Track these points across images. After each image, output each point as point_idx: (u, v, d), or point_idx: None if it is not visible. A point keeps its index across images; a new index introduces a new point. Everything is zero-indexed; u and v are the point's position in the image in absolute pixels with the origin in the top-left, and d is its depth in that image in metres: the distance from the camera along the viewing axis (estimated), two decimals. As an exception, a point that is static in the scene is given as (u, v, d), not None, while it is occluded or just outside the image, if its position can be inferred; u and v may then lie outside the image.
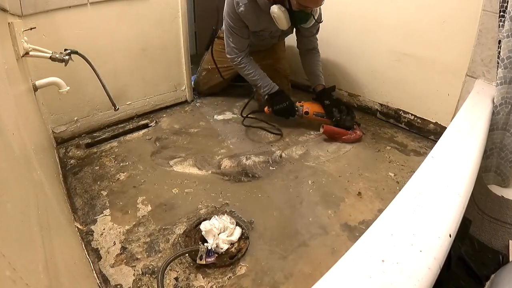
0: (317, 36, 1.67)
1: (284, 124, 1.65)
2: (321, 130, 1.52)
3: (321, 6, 1.43)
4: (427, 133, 1.59)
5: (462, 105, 1.08)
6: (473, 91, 1.20)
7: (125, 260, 0.94)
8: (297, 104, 1.61)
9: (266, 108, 1.62)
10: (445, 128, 0.96)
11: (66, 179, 1.28)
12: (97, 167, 1.34)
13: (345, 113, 1.55)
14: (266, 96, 1.63)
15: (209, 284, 0.88)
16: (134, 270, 0.91)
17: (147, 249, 0.98)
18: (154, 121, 1.71)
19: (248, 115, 1.65)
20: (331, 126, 1.53)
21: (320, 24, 1.56)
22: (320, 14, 1.50)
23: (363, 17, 1.64)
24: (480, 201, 1.22)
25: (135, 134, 1.59)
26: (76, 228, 1.04)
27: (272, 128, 1.64)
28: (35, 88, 1.20)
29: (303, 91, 2.08)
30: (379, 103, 1.75)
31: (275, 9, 1.36)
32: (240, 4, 1.40)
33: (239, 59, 1.59)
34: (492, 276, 1.04)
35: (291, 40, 1.97)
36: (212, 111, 1.81)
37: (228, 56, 1.61)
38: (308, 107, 1.60)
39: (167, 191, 1.22)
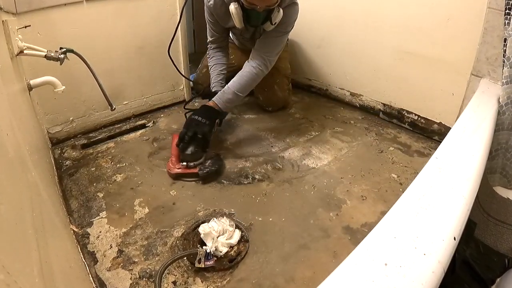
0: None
1: (284, 124, 1.65)
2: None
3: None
4: (431, 133, 1.59)
5: (467, 105, 1.08)
6: (478, 91, 1.20)
7: (122, 264, 0.94)
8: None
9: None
10: (450, 128, 0.96)
11: (61, 180, 1.28)
12: (93, 169, 1.34)
13: (188, 139, 1.28)
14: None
15: (208, 288, 0.88)
16: (131, 274, 0.91)
17: (145, 252, 0.98)
18: (152, 121, 1.71)
19: (189, 110, 1.64)
20: (176, 140, 1.33)
21: (286, 34, 1.47)
22: (284, 23, 1.40)
23: (366, 14, 1.64)
24: (485, 203, 1.22)
25: (132, 135, 1.59)
26: (72, 231, 1.04)
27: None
28: (30, 88, 1.20)
29: (304, 91, 2.09)
30: (382, 103, 1.75)
31: (231, 6, 1.33)
32: None
33: (209, 49, 1.62)
34: (498, 280, 1.04)
35: (293, 38, 1.98)
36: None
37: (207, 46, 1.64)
38: None
39: (164, 193, 1.22)
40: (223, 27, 1.53)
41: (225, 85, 1.46)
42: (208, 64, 1.64)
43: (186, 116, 1.51)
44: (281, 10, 1.34)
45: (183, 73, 1.79)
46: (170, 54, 1.61)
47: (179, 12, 1.66)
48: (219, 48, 1.63)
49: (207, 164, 1.31)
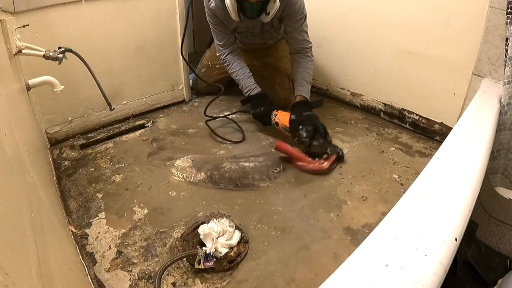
0: (307, 36, 1.57)
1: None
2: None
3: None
4: (432, 133, 1.59)
5: (469, 105, 1.08)
6: (480, 90, 1.20)
7: (121, 265, 0.94)
8: (274, 112, 1.53)
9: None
10: (451, 128, 0.96)
11: (60, 181, 1.28)
12: (92, 169, 1.34)
13: (310, 135, 1.35)
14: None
15: (208, 289, 0.88)
16: (130, 275, 0.91)
17: (144, 253, 0.98)
18: (151, 121, 1.71)
19: (214, 116, 1.66)
20: (286, 144, 1.38)
21: (304, 18, 1.51)
22: (289, 7, 1.44)
23: (367, 13, 1.64)
24: (487, 204, 1.22)
25: (131, 135, 1.59)
26: (71, 232, 1.04)
27: (235, 131, 1.60)
28: (28, 87, 1.20)
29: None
30: (382, 103, 1.75)
31: (227, 1, 1.36)
32: (211, 0, 1.44)
33: (224, 56, 1.62)
34: (500, 281, 1.04)
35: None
36: (210, 111, 1.81)
37: (217, 54, 1.65)
38: (280, 118, 1.50)
39: (164, 194, 1.22)
40: (228, 28, 1.54)
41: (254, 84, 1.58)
42: (231, 71, 1.63)
43: (207, 125, 1.59)
44: (277, 1, 1.36)
45: (196, 73, 1.81)
46: (183, 54, 1.65)
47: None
48: (234, 52, 1.63)
49: (334, 146, 1.40)
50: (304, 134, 1.36)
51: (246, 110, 1.73)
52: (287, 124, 1.46)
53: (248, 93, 1.59)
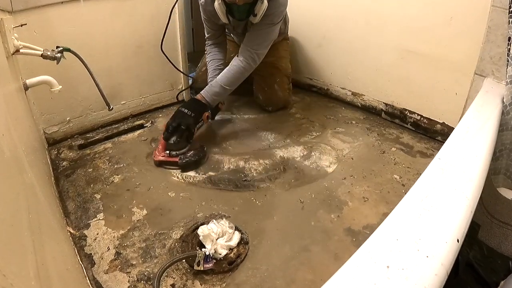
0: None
1: (284, 124, 1.65)
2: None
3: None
4: (434, 133, 1.59)
5: (470, 105, 1.08)
6: (482, 90, 1.20)
7: (119, 266, 0.94)
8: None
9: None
10: (453, 128, 0.96)
11: (58, 181, 1.28)
12: (90, 169, 1.34)
13: (172, 129, 1.36)
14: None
15: (207, 291, 0.88)
16: (129, 277, 0.91)
17: (143, 254, 0.98)
18: (150, 122, 1.71)
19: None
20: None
21: (277, 24, 1.47)
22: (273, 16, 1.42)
23: (368, 12, 1.64)
24: (489, 205, 1.22)
25: (130, 135, 1.59)
26: (69, 233, 1.04)
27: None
28: (26, 87, 1.20)
29: (304, 90, 2.09)
30: (384, 103, 1.75)
31: (216, 2, 1.39)
32: None
33: (207, 46, 1.68)
34: (502, 282, 1.04)
35: (294, 37, 1.98)
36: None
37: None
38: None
39: (163, 195, 1.22)
40: (216, 24, 1.56)
41: None
42: (206, 60, 1.68)
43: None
44: (264, 2, 1.36)
45: (181, 70, 1.80)
46: (164, 51, 1.64)
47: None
48: (216, 44, 1.67)
49: (188, 154, 1.37)
50: (168, 127, 1.38)
51: (245, 111, 1.73)
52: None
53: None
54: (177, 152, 1.38)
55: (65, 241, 0.94)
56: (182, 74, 1.83)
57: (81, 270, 0.92)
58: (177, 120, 1.38)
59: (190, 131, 1.40)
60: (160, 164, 1.37)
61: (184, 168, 1.35)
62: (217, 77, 1.50)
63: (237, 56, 1.51)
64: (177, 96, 1.85)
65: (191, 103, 1.47)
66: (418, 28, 1.48)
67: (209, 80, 1.59)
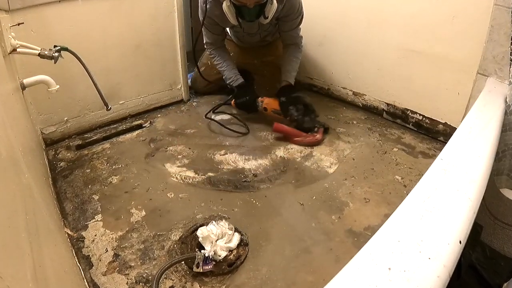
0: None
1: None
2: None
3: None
4: (436, 134, 1.59)
5: (473, 105, 1.09)
6: (485, 90, 1.20)
7: (117, 268, 0.94)
8: (259, 99, 1.65)
9: (232, 101, 1.70)
10: (455, 128, 0.96)
11: (55, 182, 1.28)
12: (88, 170, 1.34)
13: (301, 112, 1.54)
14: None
15: (206, 293, 0.88)
16: (127, 279, 0.91)
17: (141, 256, 0.98)
18: (149, 122, 1.71)
19: (215, 110, 1.74)
20: (282, 124, 1.54)
21: (300, 18, 1.60)
22: (287, 10, 1.52)
23: (369, 11, 1.65)
24: (492, 206, 1.22)
25: (128, 135, 1.59)
26: (66, 234, 1.04)
27: (238, 125, 1.66)
28: (23, 87, 1.20)
29: (305, 90, 2.08)
30: (385, 103, 1.75)
31: (224, 4, 1.41)
32: (207, 1, 1.47)
33: (210, 50, 1.71)
34: (505, 284, 1.04)
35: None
36: (207, 109, 1.81)
37: (205, 47, 1.73)
38: (268, 103, 1.64)
39: (162, 196, 1.22)
40: (222, 28, 1.56)
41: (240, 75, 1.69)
42: (215, 63, 1.70)
43: (214, 120, 1.69)
44: (274, 2, 1.39)
45: (199, 71, 1.80)
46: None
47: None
48: (220, 48, 1.70)
49: (318, 122, 1.57)
50: (296, 113, 1.53)
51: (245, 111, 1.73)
52: (277, 107, 1.60)
53: (232, 83, 1.69)
54: (318, 125, 1.54)
55: (63, 242, 0.94)
56: (181, 73, 1.83)
57: (79, 272, 0.92)
58: (300, 102, 1.55)
59: (312, 105, 1.58)
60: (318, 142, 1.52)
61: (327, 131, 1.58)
62: (290, 64, 1.66)
63: (290, 48, 1.69)
64: (205, 116, 1.76)
65: (291, 88, 1.63)
66: (420, 27, 1.48)
67: (234, 79, 1.68)
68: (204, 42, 1.70)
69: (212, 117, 1.69)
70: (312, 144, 1.50)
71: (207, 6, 1.47)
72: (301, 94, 1.61)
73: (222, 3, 1.40)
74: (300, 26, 1.67)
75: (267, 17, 1.42)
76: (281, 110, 1.59)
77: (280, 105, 1.58)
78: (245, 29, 1.64)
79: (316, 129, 1.53)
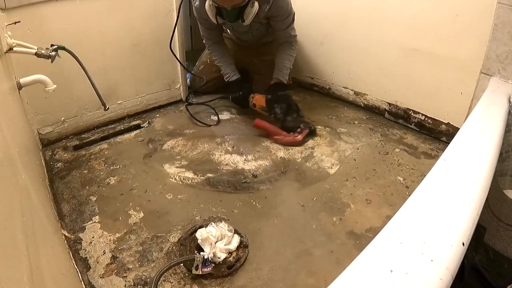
0: (293, 31, 1.69)
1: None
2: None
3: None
4: (438, 134, 1.59)
5: (476, 105, 1.09)
6: (488, 89, 1.20)
7: (115, 270, 0.94)
8: (251, 95, 1.70)
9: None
10: (458, 129, 0.96)
11: (52, 183, 1.28)
12: (86, 171, 1.34)
13: (284, 111, 1.56)
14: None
15: (206, 296, 0.88)
16: (126, 281, 0.91)
17: (139, 258, 0.98)
18: (147, 122, 1.71)
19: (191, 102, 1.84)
20: (264, 121, 1.57)
21: (291, 18, 1.61)
22: (269, 12, 1.52)
23: (370, 10, 1.65)
24: (495, 207, 1.23)
25: (127, 136, 1.59)
26: (63, 236, 1.04)
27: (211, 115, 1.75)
28: (19, 86, 1.20)
29: (306, 89, 2.09)
30: (387, 103, 1.75)
31: (206, 3, 1.45)
32: None
33: (208, 45, 1.76)
34: (508, 287, 1.04)
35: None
36: (208, 110, 1.81)
37: (204, 41, 1.78)
38: (256, 100, 1.68)
39: (160, 197, 1.22)
40: (215, 23, 1.57)
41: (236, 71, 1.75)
42: (213, 58, 1.76)
43: (187, 109, 1.78)
44: (255, 5, 1.43)
45: (185, 66, 1.84)
46: (172, 49, 1.67)
47: (175, 8, 1.66)
48: (218, 43, 1.73)
49: (303, 123, 1.57)
50: (279, 111, 1.57)
51: (245, 111, 1.73)
52: (263, 104, 1.64)
53: (229, 78, 1.74)
54: (302, 126, 1.54)
55: (60, 244, 0.94)
56: (179, 73, 1.83)
57: (76, 274, 0.92)
58: (284, 101, 1.58)
59: (297, 105, 1.61)
60: (303, 141, 1.52)
61: (314, 133, 1.57)
62: (282, 62, 1.68)
63: (284, 46, 1.70)
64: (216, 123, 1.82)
65: (280, 86, 1.66)
66: (422, 26, 1.48)
67: (230, 74, 1.73)
68: (201, 35, 1.74)
69: (187, 107, 1.78)
70: (291, 144, 1.51)
71: (196, 3, 1.53)
72: (288, 93, 1.65)
73: (205, 2, 1.45)
74: (294, 25, 1.68)
75: (244, 20, 1.46)
76: (266, 108, 1.63)
77: (266, 103, 1.62)
78: (234, 28, 1.69)
79: (299, 129, 1.54)
